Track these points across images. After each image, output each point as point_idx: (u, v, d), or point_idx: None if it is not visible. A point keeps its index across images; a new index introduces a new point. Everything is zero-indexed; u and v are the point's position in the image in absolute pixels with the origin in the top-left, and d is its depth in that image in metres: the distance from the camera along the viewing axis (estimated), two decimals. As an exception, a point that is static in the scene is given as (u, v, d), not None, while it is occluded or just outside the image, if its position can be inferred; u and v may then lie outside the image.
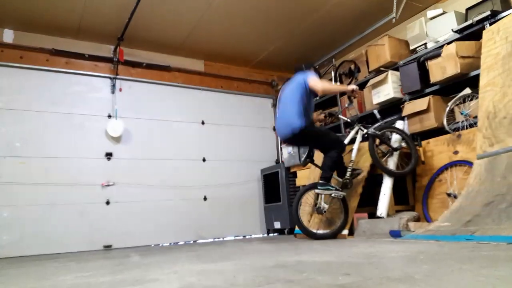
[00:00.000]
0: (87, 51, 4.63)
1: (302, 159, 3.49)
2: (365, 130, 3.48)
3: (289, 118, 3.21)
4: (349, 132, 3.75)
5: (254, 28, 4.69)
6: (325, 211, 3.29)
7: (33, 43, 4.34)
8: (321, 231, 3.42)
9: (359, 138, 3.52)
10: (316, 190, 3.25)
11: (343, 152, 3.37)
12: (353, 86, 3.40)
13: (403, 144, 3.56)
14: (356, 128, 3.57)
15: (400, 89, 3.97)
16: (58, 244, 4.03)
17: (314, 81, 3.22)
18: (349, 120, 3.81)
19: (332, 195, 3.27)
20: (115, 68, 4.70)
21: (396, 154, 3.54)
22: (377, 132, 3.43)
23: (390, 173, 3.43)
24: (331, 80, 5.15)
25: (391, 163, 3.52)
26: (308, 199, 3.48)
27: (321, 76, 3.99)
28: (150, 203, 4.63)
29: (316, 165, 3.48)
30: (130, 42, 4.66)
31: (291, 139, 3.33)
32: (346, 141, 3.51)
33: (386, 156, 3.55)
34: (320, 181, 3.24)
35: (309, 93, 3.26)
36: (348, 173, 3.36)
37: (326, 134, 3.36)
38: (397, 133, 3.61)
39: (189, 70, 5.33)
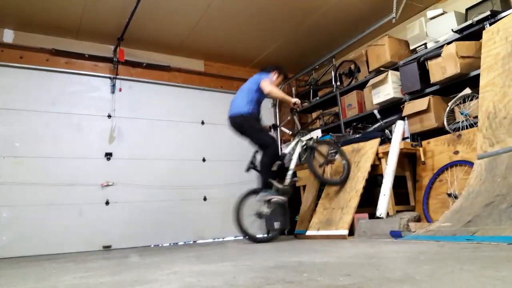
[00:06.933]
0: (87, 51, 4.63)
1: (246, 167, 3.71)
2: (304, 142, 3.75)
3: (239, 104, 3.60)
4: (350, 132, 3.73)
5: (254, 28, 4.68)
6: (264, 216, 3.47)
7: (33, 43, 4.34)
8: (260, 235, 3.82)
9: (298, 149, 3.77)
10: (257, 198, 3.46)
11: (275, 158, 3.51)
12: (295, 99, 3.64)
13: (337, 157, 3.87)
14: (296, 139, 3.84)
15: (400, 89, 3.97)
16: (57, 245, 4.02)
17: (265, 83, 3.58)
18: (289, 132, 4.22)
19: (272, 200, 3.43)
20: (115, 68, 4.69)
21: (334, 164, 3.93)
22: (314, 144, 3.76)
23: (324, 181, 3.85)
24: (331, 80, 5.15)
25: (327, 172, 3.98)
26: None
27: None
28: (150, 203, 4.63)
29: (257, 171, 3.64)
30: (130, 42, 4.66)
31: (235, 123, 3.58)
32: (287, 151, 3.77)
33: (323, 166, 3.93)
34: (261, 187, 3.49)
35: (259, 91, 3.60)
36: (287, 181, 3.58)
37: (262, 133, 3.58)
38: (332, 146, 3.96)
39: (189, 70, 5.33)
